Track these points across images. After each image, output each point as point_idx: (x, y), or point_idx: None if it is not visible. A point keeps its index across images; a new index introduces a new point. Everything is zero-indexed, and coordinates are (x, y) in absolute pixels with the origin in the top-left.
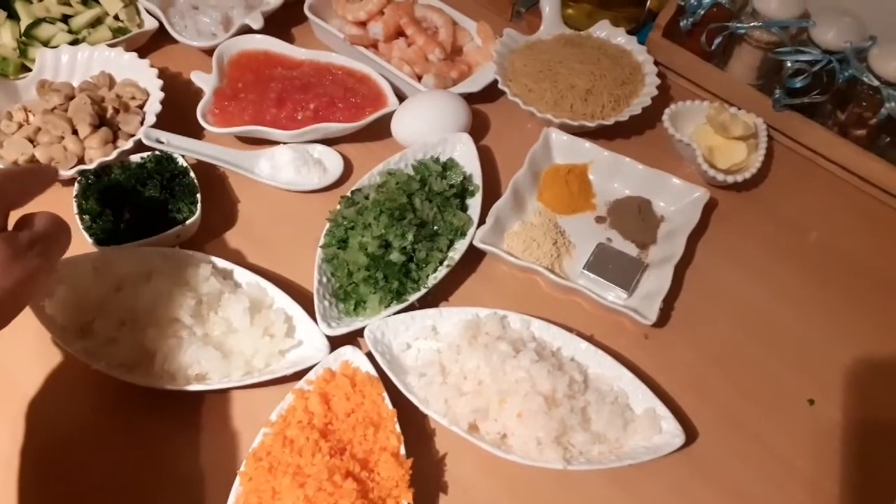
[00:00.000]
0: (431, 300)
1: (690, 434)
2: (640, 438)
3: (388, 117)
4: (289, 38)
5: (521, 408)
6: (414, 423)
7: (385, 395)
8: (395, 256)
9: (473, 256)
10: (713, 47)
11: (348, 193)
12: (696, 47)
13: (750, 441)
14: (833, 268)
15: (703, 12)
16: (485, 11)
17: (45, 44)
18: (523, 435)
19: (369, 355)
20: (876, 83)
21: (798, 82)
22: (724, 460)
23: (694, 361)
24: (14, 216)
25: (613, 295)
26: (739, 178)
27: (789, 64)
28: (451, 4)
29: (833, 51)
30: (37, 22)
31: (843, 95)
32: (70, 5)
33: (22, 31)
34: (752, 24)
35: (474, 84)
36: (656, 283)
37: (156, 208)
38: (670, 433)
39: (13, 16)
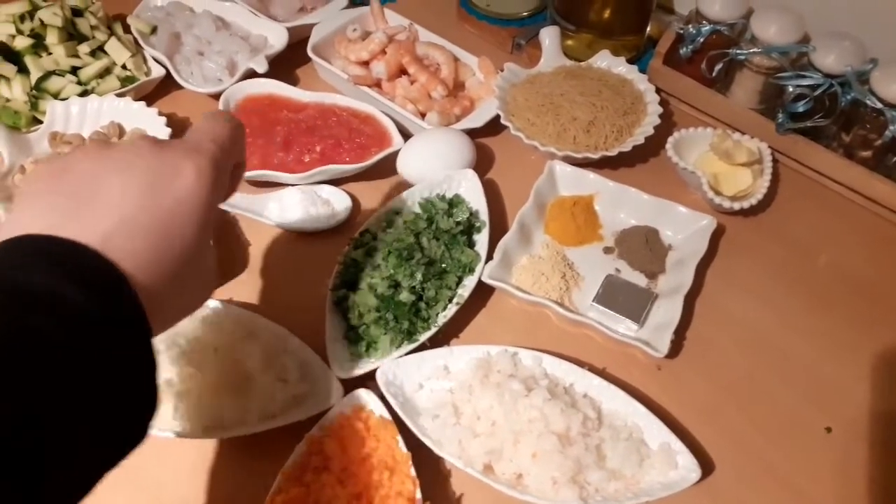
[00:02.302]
0: (442, 338)
1: (706, 467)
2: (656, 474)
3: (393, 156)
4: (293, 80)
5: (535, 448)
6: (428, 465)
7: (399, 438)
8: (404, 296)
9: (482, 292)
10: (714, 74)
11: (356, 235)
12: (697, 73)
13: (767, 472)
14: (844, 291)
15: (702, 40)
16: (486, 45)
17: (56, 96)
18: (539, 475)
19: (381, 397)
20: (879, 105)
21: (800, 106)
22: (742, 493)
23: (707, 392)
24: None
25: (624, 327)
26: (746, 204)
27: (791, 89)
28: (452, 40)
29: (834, 74)
30: (47, 75)
31: (847, 117)
32: (79, 57)
33: (32, 84)
34: (751, 49)
35: (477, 119)
36: (667, 314)
37: None
38: (686, 468)
39: (23, 70)
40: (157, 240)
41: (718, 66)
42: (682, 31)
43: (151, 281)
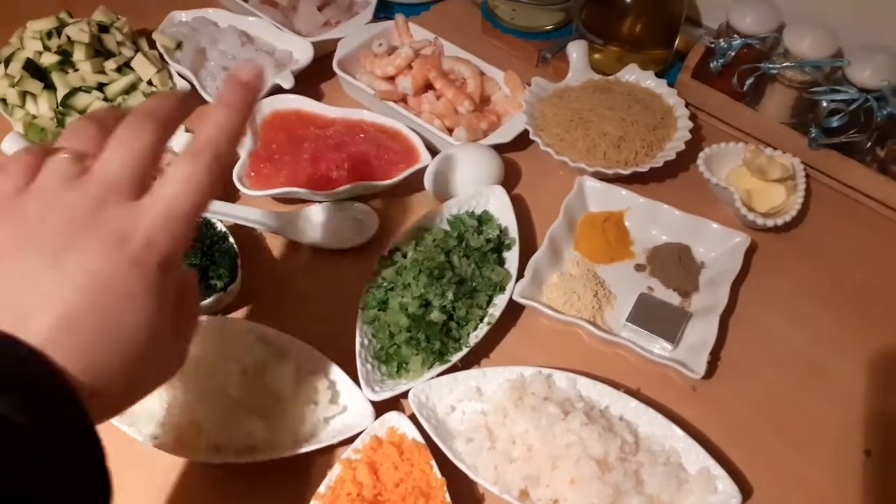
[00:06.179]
0: (472, 359)
1: (744, 490)
2: (695, 500)
3: (421, 172)
4: (318, 95)
5: (573, 474)
6: (461, 489)
7: (433, 462)
8: (435, 316)
9: (513, 311)
10: (745, 88)
11: (386, 253)
12: (726, 87)
13: (806, 496)
14: (881, 309)
15: (733, 54)
16: (511, 59)
17: (82, 112)
18: (576, 501)
19: (413, 418)
20: None
21: (835, 121)
22: None
23: (744, 414)
24: None
25: (659, 347)
26: (779, 220)
27: (825, 103)
28: (478, 54)
29: (869, 89)
30: (73, 91)
31: (882, 132)
32: (105, 73)
33: (59, 101)
34: (784, 64)
35: (505, 135)
36: (701, 333)
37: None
38: (726, 493)
39: (50, 86)
40: (101, 338)
41: (749, 81)
42: (712, 45)
43: (97, 384)
